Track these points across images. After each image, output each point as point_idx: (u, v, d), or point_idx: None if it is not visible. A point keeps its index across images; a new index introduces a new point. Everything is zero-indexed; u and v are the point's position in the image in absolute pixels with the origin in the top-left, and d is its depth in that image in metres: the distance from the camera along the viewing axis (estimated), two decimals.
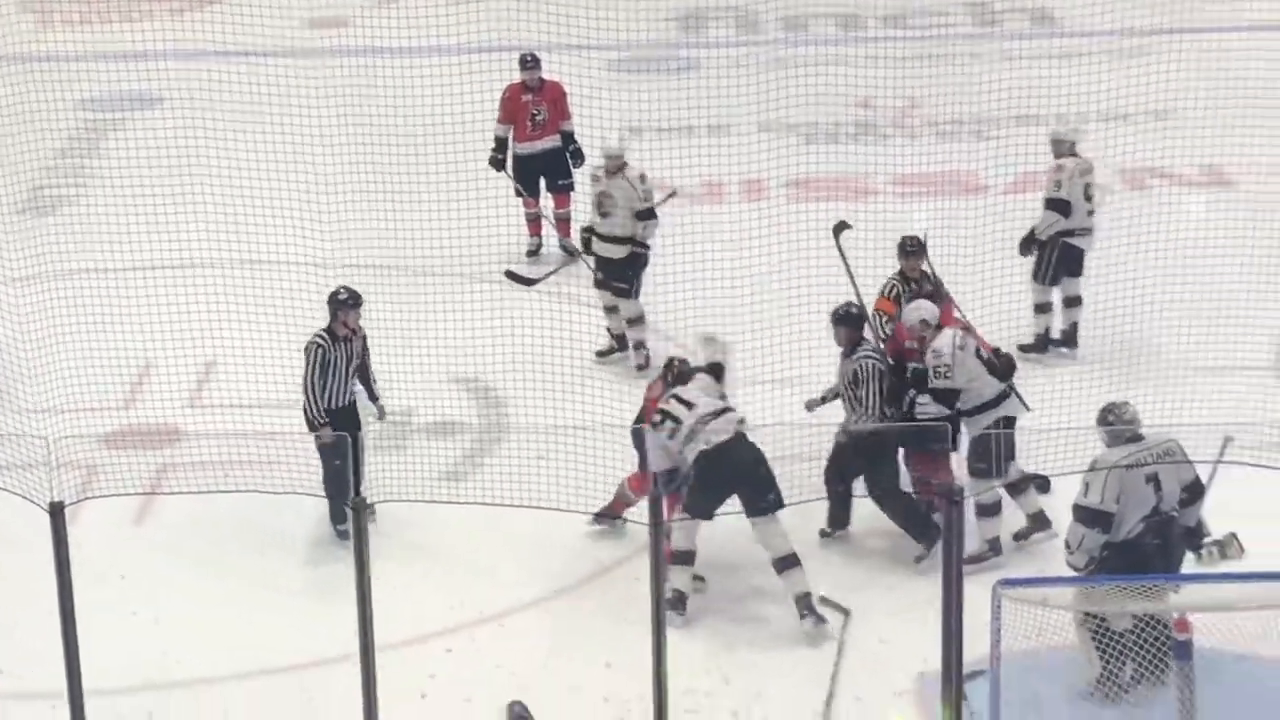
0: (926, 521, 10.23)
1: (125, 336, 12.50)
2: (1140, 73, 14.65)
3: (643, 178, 12.51)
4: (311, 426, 10.39)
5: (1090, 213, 12.31)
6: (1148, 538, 8.95)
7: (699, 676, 9.44)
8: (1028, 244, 12.30)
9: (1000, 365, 10.38)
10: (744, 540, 10.14)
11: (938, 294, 10.89)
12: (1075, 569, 9.08)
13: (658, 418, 9.99)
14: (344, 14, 16.56)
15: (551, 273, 12.59)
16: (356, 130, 13.74)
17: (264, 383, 11.72)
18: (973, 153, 14.74)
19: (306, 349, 10.53)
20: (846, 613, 9.72)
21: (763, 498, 9.74)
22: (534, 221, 13.94)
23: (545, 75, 13.88)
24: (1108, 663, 8.89)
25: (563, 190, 13.64)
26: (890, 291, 11.08)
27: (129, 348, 12.45)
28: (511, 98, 13.76)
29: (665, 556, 9.39)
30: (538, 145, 13.72)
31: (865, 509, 10.52)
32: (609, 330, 12.60)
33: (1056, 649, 8.57)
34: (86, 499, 9.69)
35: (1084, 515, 8.99)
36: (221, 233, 13.05)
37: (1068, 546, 9.16)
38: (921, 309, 10.59)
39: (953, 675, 8.10)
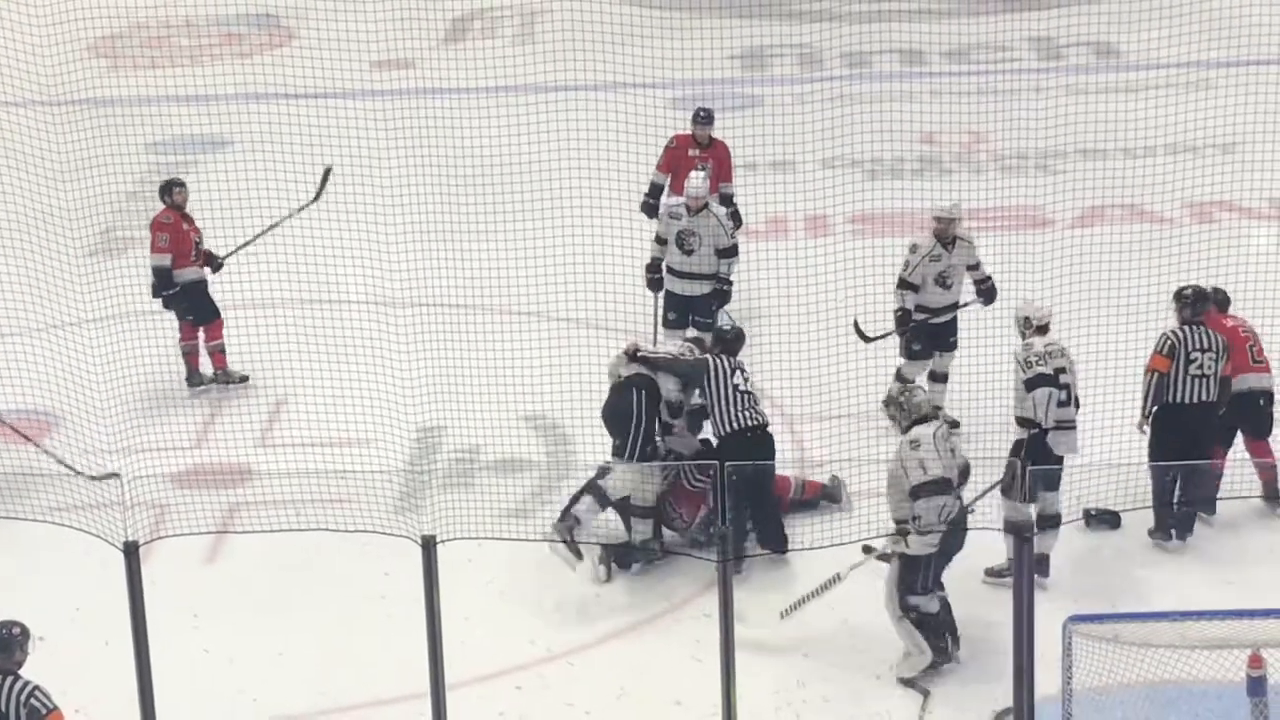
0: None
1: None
2: (1206, 106, 14.62)
3: (731, 215, 12.58)
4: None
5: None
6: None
7: (769, 713, 9.42)
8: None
9: None
10: (811, 579, 10.15)
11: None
12: (930, 546, 9.48)
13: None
14: (409, 56, 16.69)
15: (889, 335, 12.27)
16: (423, 170, 13.83)
17: (333, 421, 11.80)
18: (1038, 187, 14.75)
19: None
20: (926, 694, 9.55)
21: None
22: None
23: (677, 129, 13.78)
24: (934, 644, 9.53)
25: None
26: (1164, 348, 10.71)
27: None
28: (679, 148, 13.55)
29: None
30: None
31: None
32: None
33: (1130, 686, 8.52)
34: (159, 538, 9.80)
35: (934, 487, 9.47)
36: (290, 272, 13.15)
37: (915, 524, 9.47)
38: (1025, 308, 10.65)
39: (1024, 713, 8.07)
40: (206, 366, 12.92)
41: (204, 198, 13.91)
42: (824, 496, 11.17)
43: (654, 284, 12.75)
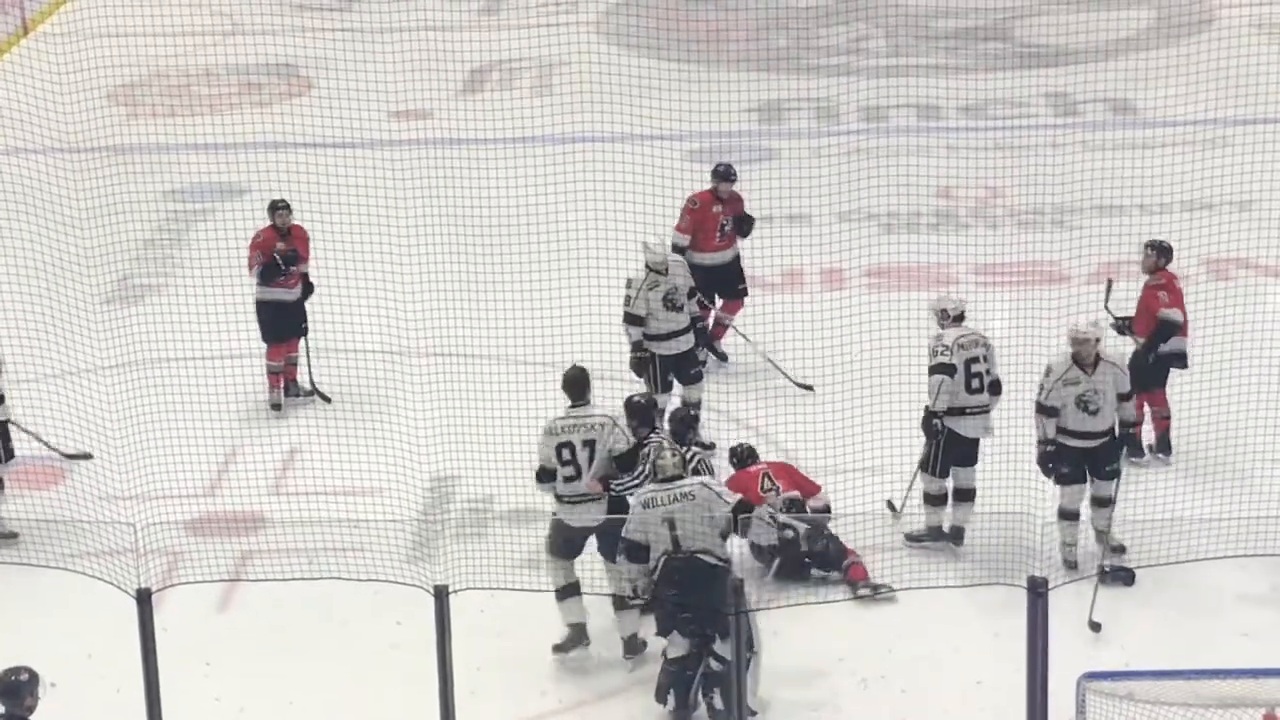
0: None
1: (210, 424, 12.64)
2: (1223, 162, 14.62)
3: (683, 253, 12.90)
4: None
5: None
6: (671, 574, 9.54)
7: None
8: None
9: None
10: (828, 635, 10.11)
11: None
12: (630, 601, 9.93)
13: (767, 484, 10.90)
14: (427, 106, 16.76)
15: None
16: (439, 220, 13.87)
17: (346, 470, 11.80)
18: (1054, 242, 14.75)
19: None
20: None
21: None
22: (719, 328, 13.73)
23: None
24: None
25: (739, 296, 13.56)
26: None
27: (213, 435, 12.59)
28: (703, 207, 13.48)
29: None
30: (724, 255, 13.46)
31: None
32: None
33: None
34: (172, 585, 9.79)
35: (623, 546, 9.81)
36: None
37: (628, 574, 9.87)
38: (942, 301, 11.24)
39: None
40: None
41: (221, 246, 13.97)
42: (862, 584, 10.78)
43: (642, 364, 12.42)
